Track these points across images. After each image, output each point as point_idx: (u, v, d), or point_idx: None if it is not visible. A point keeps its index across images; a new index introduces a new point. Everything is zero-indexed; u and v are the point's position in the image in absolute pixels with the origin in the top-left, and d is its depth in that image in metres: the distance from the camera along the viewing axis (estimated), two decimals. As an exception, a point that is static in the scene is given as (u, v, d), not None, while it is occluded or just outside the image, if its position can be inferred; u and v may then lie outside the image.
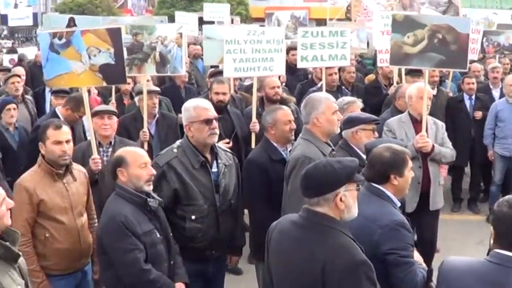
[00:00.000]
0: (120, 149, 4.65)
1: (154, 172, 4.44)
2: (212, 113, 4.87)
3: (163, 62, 7.46)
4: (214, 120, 4.81)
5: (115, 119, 6.20)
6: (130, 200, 4.31)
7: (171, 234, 4.55)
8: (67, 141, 4.85)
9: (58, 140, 4.79)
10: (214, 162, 4.90)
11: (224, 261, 5.25)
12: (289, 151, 5.62)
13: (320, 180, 3.49)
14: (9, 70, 11.75)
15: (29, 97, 9.35)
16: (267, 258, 3.82)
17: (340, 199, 3.45)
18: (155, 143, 7.22)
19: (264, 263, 3.90)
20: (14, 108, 7.55)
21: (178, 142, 4.95)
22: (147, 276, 4.20)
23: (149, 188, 4.38)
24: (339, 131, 5.27)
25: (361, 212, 3.61)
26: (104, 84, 6.46)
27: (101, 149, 6.01)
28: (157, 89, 7.71)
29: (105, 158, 5.92)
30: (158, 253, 4.34)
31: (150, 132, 7.16)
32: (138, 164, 4.35)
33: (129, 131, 7.00)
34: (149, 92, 7.20)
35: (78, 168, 5.08)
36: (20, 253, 3.49)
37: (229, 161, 5.02)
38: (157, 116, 7.37)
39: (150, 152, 6.90)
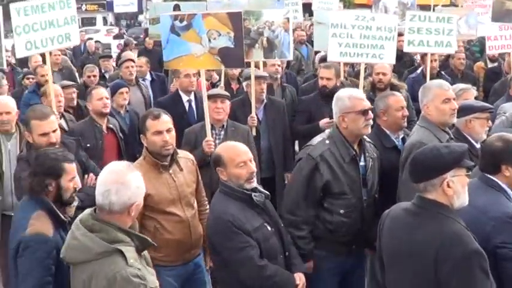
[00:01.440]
0: (220, 145, 4.56)
1: (255, 169, 4.29)
2: (367, 103, 4.75)
3: (271, 47, 7.53)
4: (370, 111, 4.70)
5: (227, 103, 6.27)
6: (235, 197, 4.21)
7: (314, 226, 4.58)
8: (168, 131, 4.68)
9: (158, 130, 4.65)
10: (362, 155, 4.79)
11: (363, 256, 5.16)
12: (402, 138, 5.57)
13: (426, 164, 3.47)
14: (110, 57, 12.18)
15: (143, 82, 9.60)
16: (378, 246, 3.81)
17: (448, 185, 3.41)
18: (263, 128, 7.25)
19: (376, 251, 3.89)
20: (127, 92, 7.70)
21: (327, 132, 4.83)
22: (264, 272, 4.13)
23: (251, 185, 4.26)
24: (454, 120, 5.07)
25: (473, 203, 3.54)
26: (223, 67, 6.58)
27: (213, 132, 6.12)
28: (266, 74, 7.71)
29: (217, 141, 6.01)
30: (272, 247, 4.25)
31: (257, 118, 7.19)
32: (236, 164, 4.22)
33: (236, 115, 7.02)
34: (257, 78, 7.22)
35: (185, 156, 4.93)
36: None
37: (374, 154, 4.91)
38: (265, 101, 7.39)
39: (258, 138, 7.04)
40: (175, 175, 4.74)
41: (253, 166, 4.28)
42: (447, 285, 3.31)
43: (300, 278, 4.34)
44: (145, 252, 3.61)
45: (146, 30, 17.07)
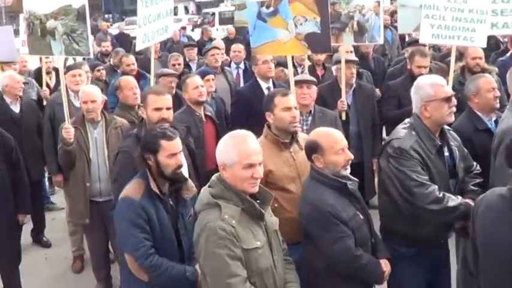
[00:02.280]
0: (315, 131, 4.41)
1: (352, 156, 4.21)
2: (449, 89, 4.57)
3: (361, 31, 7.43)
4: (453, 98, 4.49)
5: (314, 88, 6.20)
6: (330, 186, 4.12)
7: None
8: (295, 108, 4.90)
9: (288, 107, 4.83)
10: (446, 145, 4.58)
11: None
12: (494, 121, 5.43)
13: None
14: (195, 45, 12.22)
15: (228, 68, 9.65)
16: (472, 233, 3.69)
17: None
18: (352, 113, 7.18)
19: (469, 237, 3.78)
20: (212, 79, 7.71)
21: (407, 122, 4.61)
22: (360, 261, 4.07)
23: (346, 172, 4.20)
24: None
25: None
26: (309, 53, 6.50)
27: (300, 118, 6.02)
28: (356, 58, 7.62)
29: (304, 127, 5.90)
30: (363, 234, 4.19)
31: (347, 103, 7.11)
32: (335, 151, 4.14)
33: (325, 100, 6.96)
34: (348, 62, 7.15)
35: (303, 137, 4.95)
36: (264, 212, 3.69)
37: (456, 142, 4.69)
38: (354, 86, 7.30)
39: (347, 123, 6.94)
40: (295, 153, 4.79)
41: (349, 153, 4.22)
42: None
43: (385, 265, 4.26)
44: (270, 221, 3.82)
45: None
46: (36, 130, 7.84)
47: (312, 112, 6.16)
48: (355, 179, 4.25)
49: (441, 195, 4.25)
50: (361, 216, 4.19)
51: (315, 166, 4.21)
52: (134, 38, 13.48)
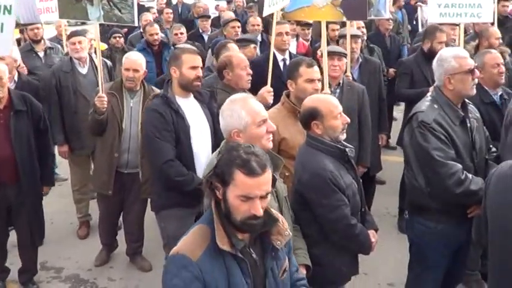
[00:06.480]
0: (310, 98, 4.34)
1: (349, 120, 4.21)
2: (472, 61, 4.55)
3: (368, 5, 7.35)
4: (476, 70, 4.50)
5: (344, 61, 6.23)
6: (329, 152, 4.09)
7: None
8: (318, 80, 4.92)
9: (311, 78, 4.87)
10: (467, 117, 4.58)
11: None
12: (500, 95, 5.61)
13: None
14: (208, 17, 12.23)
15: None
16: (483, 205, 3.72)
17: None
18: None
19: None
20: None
21: (429, 96, 4.59)
22: (354, 230, 4.10)
23: (343, 136, 4.19)
24: None
25: None
26: (344, 19, 6.38)
27: (330, 90, 6.00)
28: (360, 33, 7.61)
29: None
30: (356, 203, 4.20)
31: (353, 77, 7.07)
32: (334, 115, 4.12)
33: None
34: (352, 36, 7.14)
35: None
36: (277, 178, 3.46)
37: (476, 114, 4.70)
38: (360, 60, 7.33)
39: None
40: None
41: (346, 117, 4.20)
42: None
43: (373, 235, 4.30)
44: (281, 188, 3.78)
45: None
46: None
47: (341, 84, 6.19)
48: (351, 146, 4.25)
49: (463, 176, 4.26)
50: (356, 185, 4.21)
51: (312, 133, 4.19)
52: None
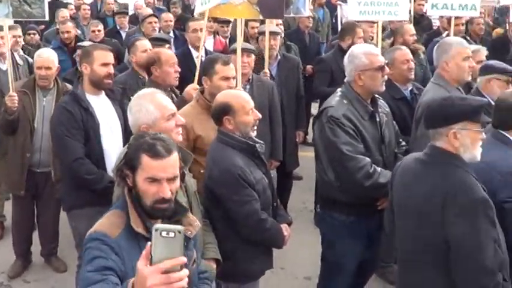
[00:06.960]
0: (222, 93, 4.36)
1: (260, 116, 4.25)
2: (382, 58, 4.64)
3: (287, 3, 7.44)
4: (385, 66, 4.58)
5: (253, 57, 6.25)
6: (239, 148, 4.13)
7: None
8: (233, 78, 4.93)
9: (226, 76, 4.86)
10: (376, 112, 4.65)
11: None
12: (410, 90, 5.80)
13: (436, 112, 3.54)
14: (126, 13, 11.87)
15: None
16: (390, 196, 3.84)
17: (455, 136, 3.42)
18: (276, 84, 7.17)
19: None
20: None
21: (339, 91, 4.66)
22: (265, 225, 4.14)
23: (254, 133, 4.22)
24: (469, 78, 5.15)
25: (482, 158, 3.54)
26: (261, 17, 6.35)
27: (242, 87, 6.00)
28: (279, 30, 7.66)
29: None
30: (268, 198, 4.25)
31: (271, 73, 7.14)
32: (246, 111, 4.16)
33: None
34: (271, 33, 7.17)
35: None
36: (186, 172, 3.57)
37: (386, 109, 4.80)
38: (279, 57, 7.37)
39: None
40: None
41: (257, 112, 4.25)
42: (451, 231, 3.33)
43: (286, 229, 4.35)
44: (189, 182, 3.74)
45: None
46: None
47: (250, 81, 6.20)
48: (261, 141, 4.28)
49: (372, 170, 4.35)
50: (266, 180, 4.25)
51: (223, 129, 4.20)
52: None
